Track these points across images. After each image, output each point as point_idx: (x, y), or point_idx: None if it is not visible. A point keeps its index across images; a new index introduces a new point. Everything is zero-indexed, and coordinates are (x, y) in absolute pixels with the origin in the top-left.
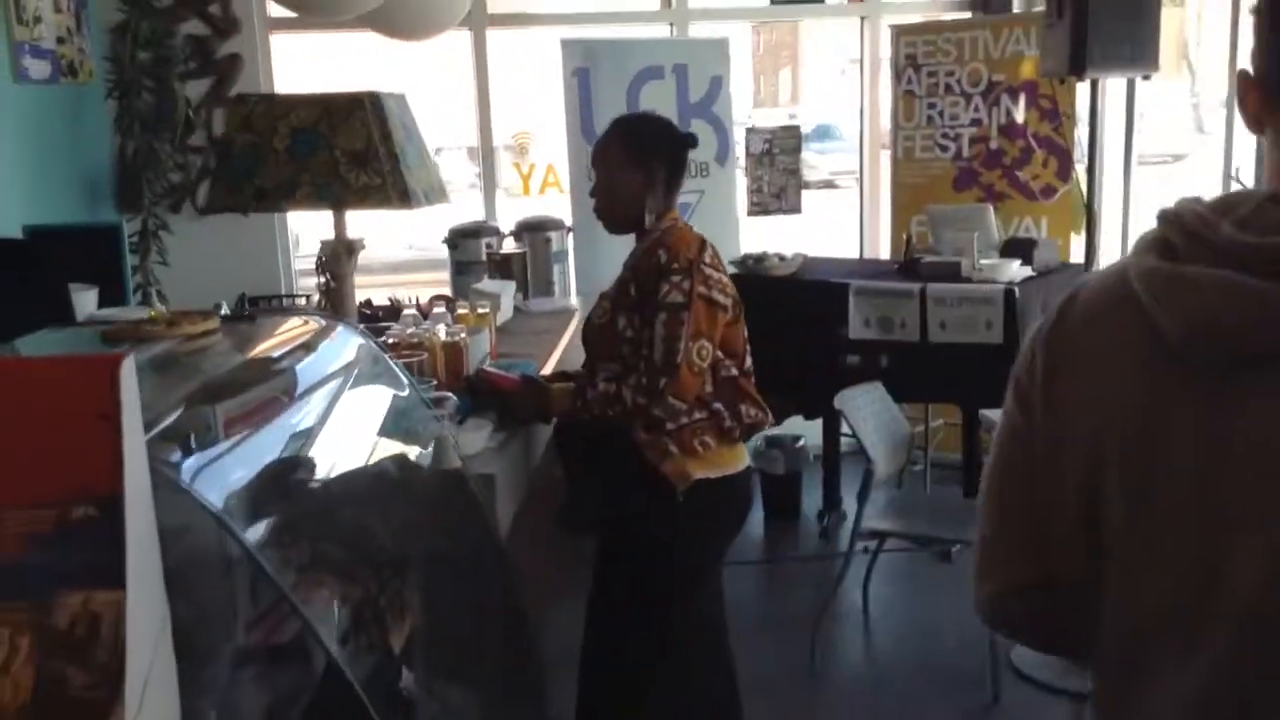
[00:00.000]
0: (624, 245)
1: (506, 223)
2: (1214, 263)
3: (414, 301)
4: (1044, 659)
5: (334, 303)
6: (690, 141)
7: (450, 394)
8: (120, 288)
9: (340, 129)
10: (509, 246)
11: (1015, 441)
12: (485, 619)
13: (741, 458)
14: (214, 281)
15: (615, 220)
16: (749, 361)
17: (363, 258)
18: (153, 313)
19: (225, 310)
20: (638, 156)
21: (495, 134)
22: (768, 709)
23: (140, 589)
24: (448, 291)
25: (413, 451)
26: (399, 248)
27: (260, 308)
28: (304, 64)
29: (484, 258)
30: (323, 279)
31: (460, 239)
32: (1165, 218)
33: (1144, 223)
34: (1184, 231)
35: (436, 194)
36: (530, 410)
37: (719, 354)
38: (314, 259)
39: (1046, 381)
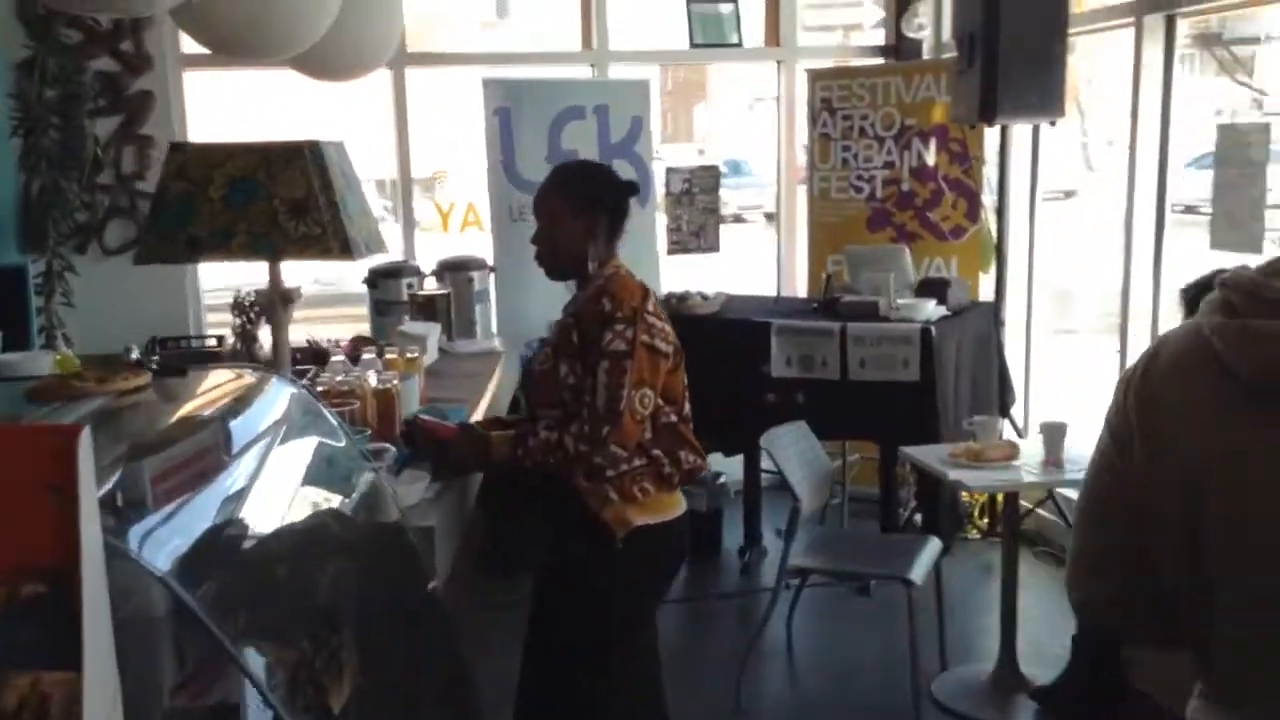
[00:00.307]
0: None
1: (425, 261)
2: (1272, 315)
3: (334, 343)
4: (963, 690)
5: (249, 348)
6: (632, 189)
7: (389, 445)
8: (24, 330)
9: (280, 178)
10: (430, 286)
11: (1111, 474)
12: (426, 674)
13: (679, 503)
14: (119, 323)
15: (557, 268)
16: (688, 408)
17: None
18: (59, 357)
19: (135, 354)
20: (580, 205)
21: (412, 171)
22: None
23: (96, 667)
24: (366, 332)
25: (351, 506)
26: (304, 282)
27: (171, 349)
28: (214, 101)
29: (405, 298)
30: (239, 321)
31: (381, 279)
32: (1225, 283)
33: (1047, 259)
34: (1243, 292)
35: (376, 243)
36: (469, 460)
37: (659, 401)
38: (230, 299)
39: (1142, 423)
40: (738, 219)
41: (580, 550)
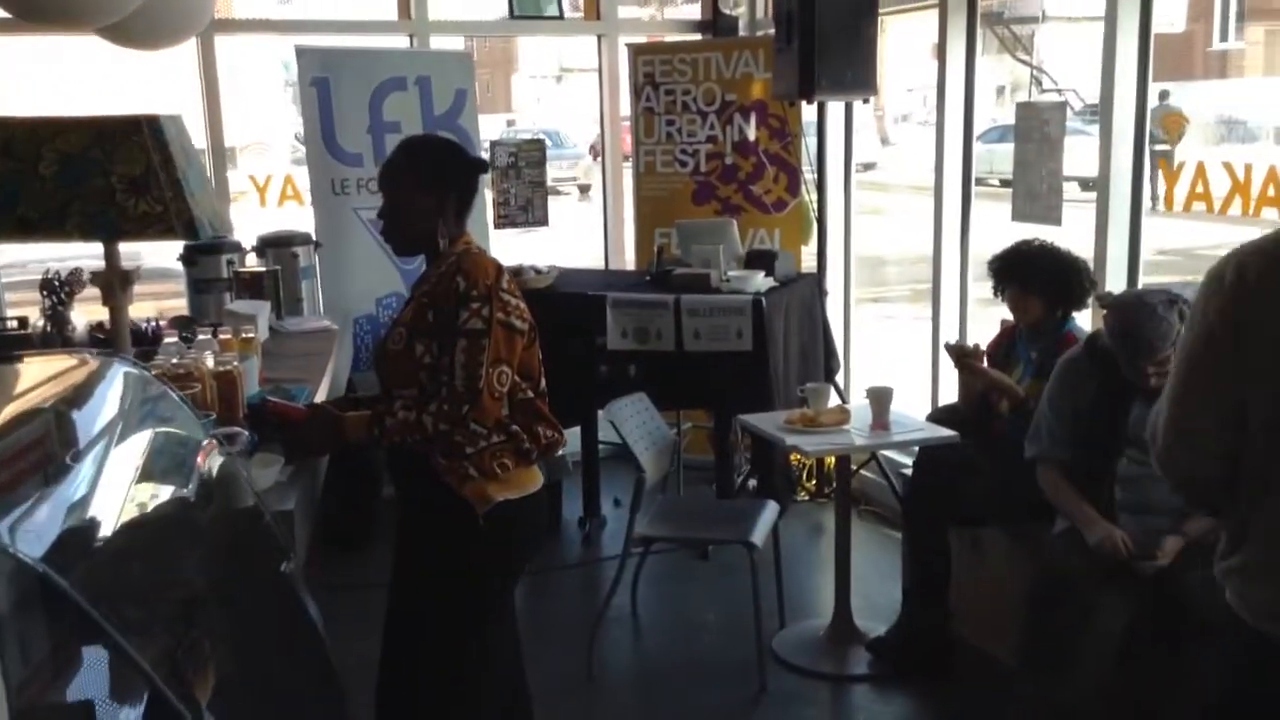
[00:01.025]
0: (371, 262)
1: (244, 236)
2: None
3: (151, 323)
4: (802, 645)
5: (61, 330)
6: (481, 166)
7: (239, 429)
8: None
9: (116, 154)
10: (252, 263)
11: (1216, 366)
12: (289, 660)
13: (538, 477)
14: None
15: (405, 243)
16: (543, 383)
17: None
18: None
19: None
20: (428, 181)
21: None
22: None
23: None
24: (182, 310)
25: (206, 492)
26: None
27: None
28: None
29: (227, 275)
30: (48, 301)
31: (199, 255)
32: None
33: (863, 224)
34: None
35: (220, 222)
36: (323, 441)
37: (516, 378)
38: (39, 279)
39: (1247, 319)
40: (553, 191)
41: (441, 528)
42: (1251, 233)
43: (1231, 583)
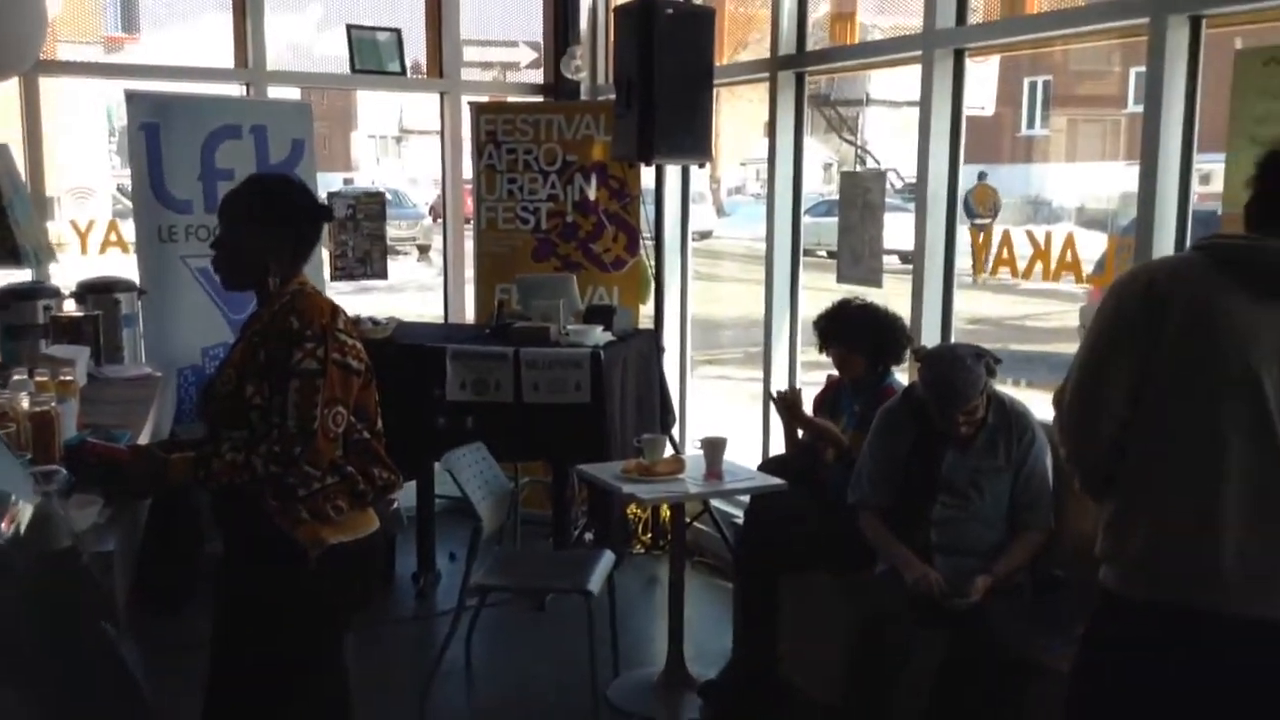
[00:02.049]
0: (197, 312)
1: (63, 282)
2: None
3: None
4: (637, 693)
5: None
6: (326, 214)
7: (57, 468)
8: None
9: None
10: (70, 309)
11: (1115, 352)
12: (109, 712)
13: (373, 520)
14: None
15: (233, 278)
16: (380, 424)
17: None
18: None
19: None
20: (268, 220)
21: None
22: None
23: None
24: None
25: (20, 532)
26: None
27: None
28: None
29: (42, 320)
30: None
31: (13, 300)
32: (1201, 242)
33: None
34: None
35: (46, 253)
36: (145, 482)
37: (352, 418)
38: None
39: (1152, 312)
40: (392, 251)
41: (270, 574)
42: (1053, 306)
43: (1105, 546)
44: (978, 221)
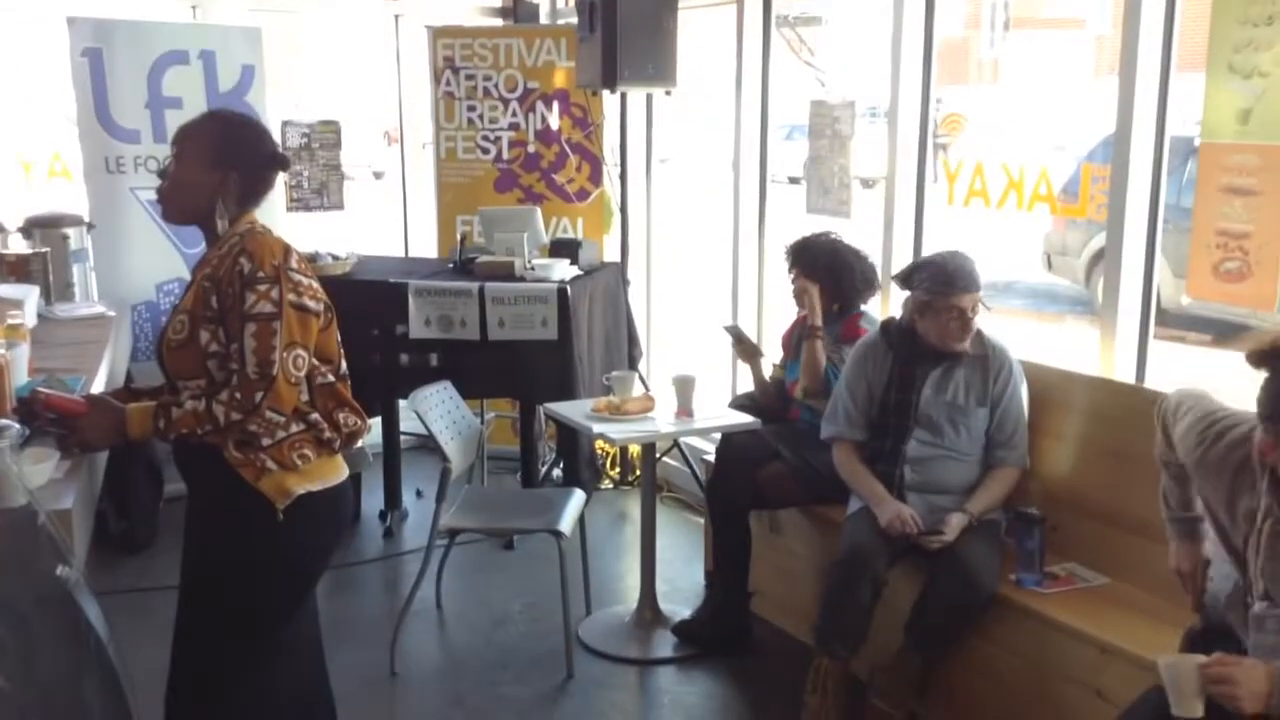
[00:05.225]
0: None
1: (7, 217)
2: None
3: None
4: (609, 632)
5: None
6: (281, 164)
7: (10, 422)
8: None
9: None
10: (17, 245)
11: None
12: (70, 671)
13: (341, 468)
14: None
15: (175, 213)
16: (344, 366)
17: None
18: None
19: None
20: (218, 159)
21: None
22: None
23: None
24: None
25: None
26: None
27: None
28: None
29: None
30: None
31: None
32: None
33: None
34: None
35: None
36: (103, 435)
37: (314, 361)
38: None
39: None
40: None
41: (237, 525)
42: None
43: None
44: (939, 141)
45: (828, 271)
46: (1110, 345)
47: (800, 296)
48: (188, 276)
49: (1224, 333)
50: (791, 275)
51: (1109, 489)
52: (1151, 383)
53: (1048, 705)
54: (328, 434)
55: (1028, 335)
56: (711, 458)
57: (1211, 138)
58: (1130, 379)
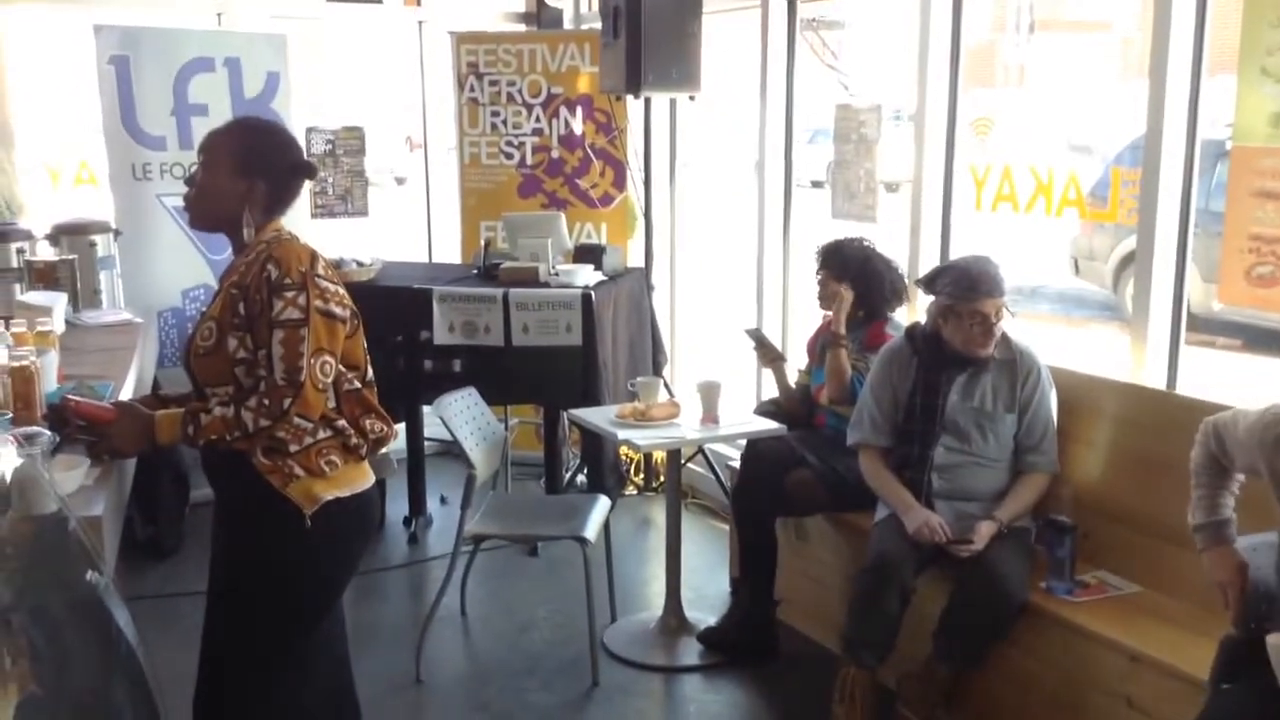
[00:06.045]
0: (175, 252)
1: (35, 223)
2: None
3: None
4: (634, 639)
5: None
6: (308, 172)
7: (40, 429)
8: None
9: None
10: (45, 252)
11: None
12: (100, 676)
13: (368, 474)
14: None
15: (202, 220)
16: (370, 373)
17: None
18: None
19: None
20: (244, 167)
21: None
22: None
23: None
24: None
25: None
26: None
27: None
28: None
29: (15, 265)
30: None
31: None
32: None
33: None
34: None
35: (15, 204)
36: (132, 442)
37: (341, 368)
38: None
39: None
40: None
41: (265, 532)
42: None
43: None
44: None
45: (858, 277)
46: (1141, 351)
47: (830, 299)
48: (213, 283)
49: (1254, 338)
50: (819, 276)
51: (1140, 495)
52: (1182, 389)
53: (1077, 715)
54: (354, 440)
55: (1055, 340)
56: (737, 464)
57: (1243, 141)
58: (1161, 385)
